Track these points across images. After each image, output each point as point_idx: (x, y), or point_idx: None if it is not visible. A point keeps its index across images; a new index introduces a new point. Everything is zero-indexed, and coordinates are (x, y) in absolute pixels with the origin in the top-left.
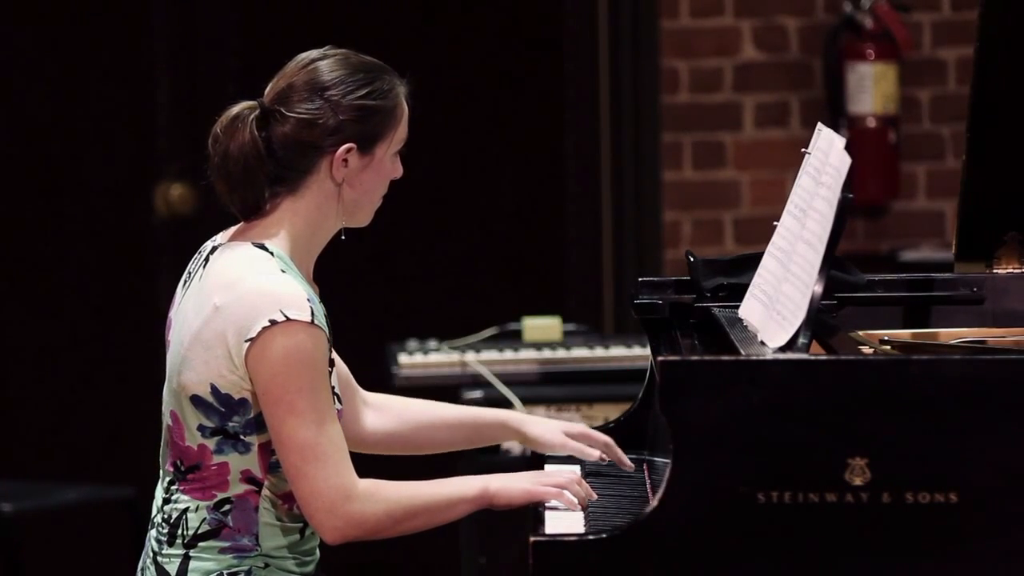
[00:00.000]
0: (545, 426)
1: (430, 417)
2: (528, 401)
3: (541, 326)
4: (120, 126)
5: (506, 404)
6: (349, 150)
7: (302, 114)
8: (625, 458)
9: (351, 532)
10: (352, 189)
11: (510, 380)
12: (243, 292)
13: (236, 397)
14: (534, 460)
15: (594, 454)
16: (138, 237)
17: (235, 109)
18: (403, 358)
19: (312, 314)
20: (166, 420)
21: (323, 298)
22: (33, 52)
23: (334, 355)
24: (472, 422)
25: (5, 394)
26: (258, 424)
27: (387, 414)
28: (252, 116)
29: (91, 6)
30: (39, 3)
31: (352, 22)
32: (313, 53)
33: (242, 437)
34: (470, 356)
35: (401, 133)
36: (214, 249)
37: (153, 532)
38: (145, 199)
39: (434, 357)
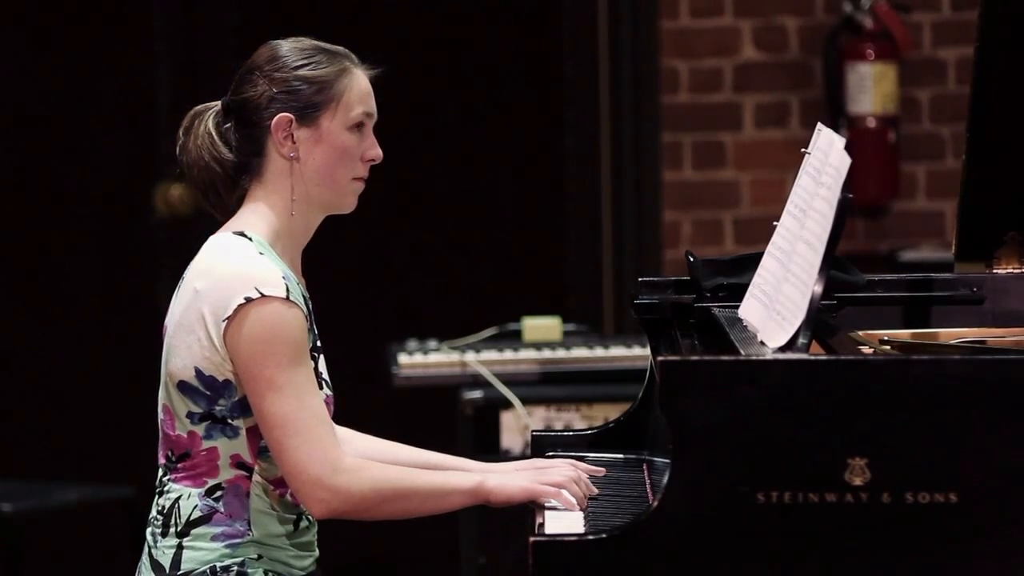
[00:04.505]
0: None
1: (388, 459)
2: (528, 401)
3: (541, 326)
4: (120, 126)
5: (506, 404)
6: (289, 122)
7: (242, 95)
8: (593, 468)
9: (337, 505)
10: (304, 164)
11: (510, 380)
12: (220, 275)
13: (220, 379)
14: (534, 452)
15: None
16: (138, 237)
17: (196, 108)
18: (403, 358)
19: (287, 291)
20: (159, 416)
21: (323, 299)
22: (33, 52)
23: (321, 364)
24: (430, 468)
25: (5, 394)
26: (244, 407)
27: (348, 449)
28: (211, 111)
29: (91, 5)
30: (39, 3)
31: (351, 22)
32: (272, 40)
33: (230, 421)
34: (470, 356)
35: (350, 105)
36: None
37: (149, 528)
38: (145, 199)
39: (434, 357)
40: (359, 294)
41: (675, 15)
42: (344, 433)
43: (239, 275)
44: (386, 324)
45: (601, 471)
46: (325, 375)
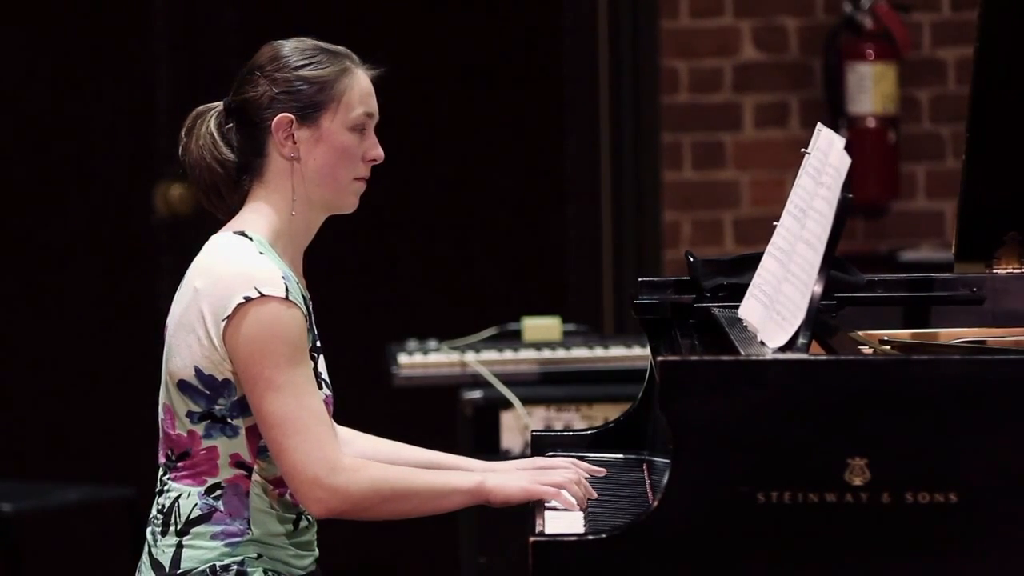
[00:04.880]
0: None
1: (390, 458)
2: (528, 401)
3: (541, 326)
4: (120, 126)
5: (506, 404)
6: (290, 123)
7: (244, 95)
8: (594, 468)
9: (336, 504)
10: (304, 164)
11: (510, 380)
12: (220, 274)
13: (220, 378)
14: (534, 452)
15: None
16: (138, 237)
17: (198, 108)
18: (403, 358)
19: (287, 291)
20: (159, 415)
21: (323, 299)
22: (33, 52)
23: (321, 364)
24: (432, 467)
25: (5, 394)
26: (243, 406)
27: (349, 449)
28: (213, 112)
29: (91, 6)
30: (39, 3)
31: (352, 22)
32: (274, 40)
33: (229, 420)
34: (470, 356)
35: (351, 106)
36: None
37: (149, 527)
38: (145, 199)
39: (434, 357)
40: (359, 294)
41: (675, 15)
42: (346, 433)
43: (239, 274)
44: (386, 324)
45: (601, 471)
46: (325, 375)
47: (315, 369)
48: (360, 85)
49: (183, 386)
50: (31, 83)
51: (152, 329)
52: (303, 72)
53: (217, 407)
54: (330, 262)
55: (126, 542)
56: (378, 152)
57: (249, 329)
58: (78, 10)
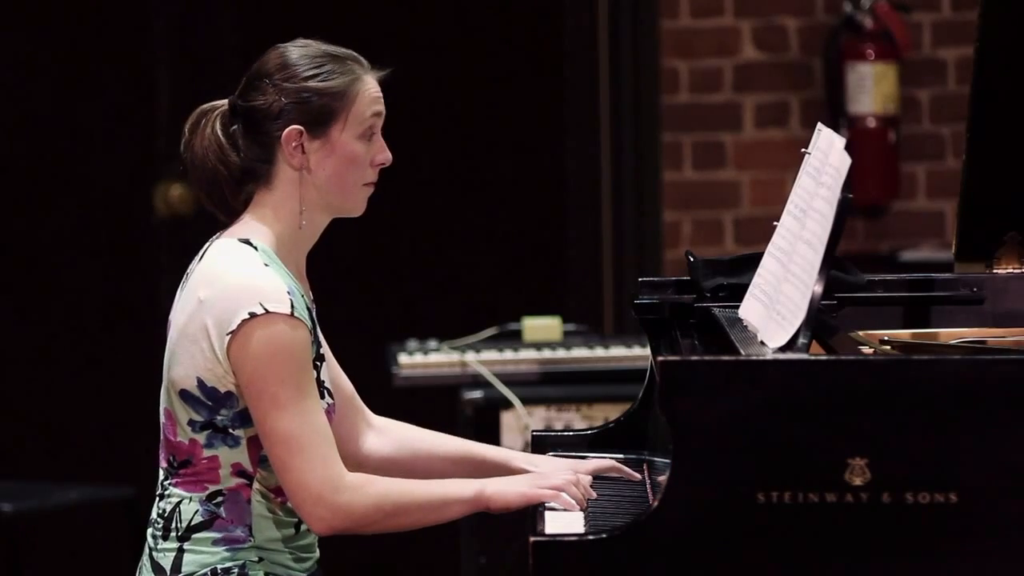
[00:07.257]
0: (554, 465)
1: (431, 447)
2: (528, 401)
3: (541, 326)
4: (120, 126)
5: (506, 404)
6: (299, 134)
7: (252, 102)
8: (634, 473)
9: (338, 523)
10: (314, 174)
11: (510, 380)
12: (225, 286)
13: (222, 391)
14: (535, 451)
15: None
16: (138, 237)
17: (203, 107)
18: (403, 358)
19: (292, 306)
20: (161, 419)
21: (323, 299)
22: (33, 52)
23: (334, 364)
24: (474, 458)
25: (5, 394)
26: (246, 418)
27: (387, 438)
28: (217, 112)
29: (91, 6)
30: (39, 3)
31: (352, 22)
32: (280, 44)
33: (231, 431)
34: (470, 356)
35: (360, 115)
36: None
37: (149, 530)
38: (145, 199)
39: (434, 357)
40: (360, 294)
41: (675, 15)
42: (381, 422)
43: (244, 288)
44: (386, 324)
45: (637, 476)
46: (328, 383)
47: (318, 378)
48: (368, 92)
49: (185, 395)
50: (31, 83)
51: (152, 329)
52: (312, 83)
53: (219, 418)
54: (330, 262)
55: (126, 542)
56: (386, 156)
57: (254, 347)
58: (78, 10)
